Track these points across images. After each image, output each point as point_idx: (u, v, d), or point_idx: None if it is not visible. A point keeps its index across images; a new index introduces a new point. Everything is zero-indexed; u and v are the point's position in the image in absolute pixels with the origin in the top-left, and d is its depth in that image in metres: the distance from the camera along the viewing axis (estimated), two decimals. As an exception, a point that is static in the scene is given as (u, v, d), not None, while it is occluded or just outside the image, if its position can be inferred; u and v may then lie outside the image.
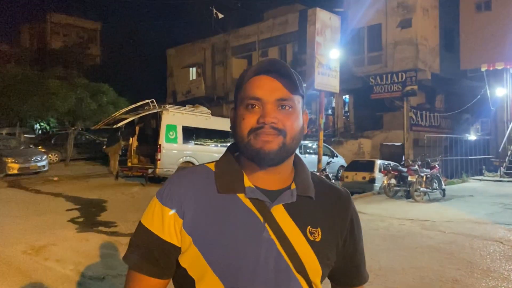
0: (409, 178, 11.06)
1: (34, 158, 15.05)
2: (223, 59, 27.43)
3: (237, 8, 28.07)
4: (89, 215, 8.36)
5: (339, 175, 15.48)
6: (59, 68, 19.98)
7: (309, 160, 15.13)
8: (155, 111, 12.68)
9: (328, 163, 10.75)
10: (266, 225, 1.01)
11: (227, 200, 1.03)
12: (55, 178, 14.13)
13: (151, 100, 13.13)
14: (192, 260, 1.01)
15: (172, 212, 1.03)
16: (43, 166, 15.24)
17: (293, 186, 1.08)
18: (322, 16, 10.69)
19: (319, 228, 1.06)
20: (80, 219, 7.98)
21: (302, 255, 1.02)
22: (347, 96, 22.77)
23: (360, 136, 20.49)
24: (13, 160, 14.43)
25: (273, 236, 1.01)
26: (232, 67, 26.71)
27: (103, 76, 23.50)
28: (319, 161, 10.81)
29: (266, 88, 1.02)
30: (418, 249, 6.31)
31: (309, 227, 1.05)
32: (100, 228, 7.27)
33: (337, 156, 16.69)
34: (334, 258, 1.10)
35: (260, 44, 25.23)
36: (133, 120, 12.91)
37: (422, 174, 11.32)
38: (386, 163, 14.06)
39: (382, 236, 7.25)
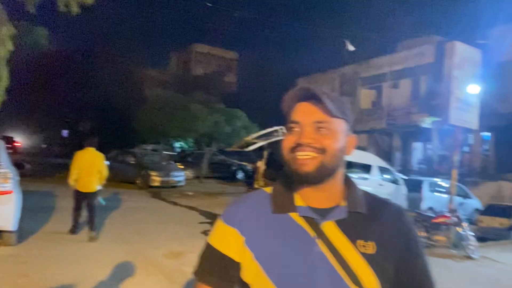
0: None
1: (173, 173, 16.77)
2: (352, 89, 27.34)
3: (370, 39, 27.94)
4: (219, 230, 9.03)
5: (474, 218, 14.27)
6: (200, 93, 21.96)
7: (438, 200, 14.20)
8: (283, 138, 13.19)
9: (460, 204, 10.04)
10: (317, 240, 1.08)
11: (282, 219, 1.12)
12: (190, 193, 15.50)
13: (280, 127, 13.74)
14: (254, 275, 1.10)
15: (233, 229, 1.15)
16: (180, 181, 16.88)
17: (343, 203, 1.13)
18: (461, 50, 10.22)
19: (370, 241, 1.10)
20: (211, 233, 8.68)
21: (355, 267, 1.06)
22: (488, 134, 20.98)
23: (501, 178, 18.62)
24: (156, 174, 16.24)
25: (324, 251, 1.07)
26: (361, 98, 26.53)
27: (238, 102, 25.18)
28: (450, 200, 10.15)
29: (304, 112, 1.11)
30: None
31: (360, 240, 1.09)
32: (229, 243, 7.82)
33: (471, 198, 15.40)
34: (393, 272, 1.11)
35: (391, 75, 24.69)
36: (262, 145, 13.63)
37: None
38: (530, 210, 12.60)
39: (520, 289, 6.62)
